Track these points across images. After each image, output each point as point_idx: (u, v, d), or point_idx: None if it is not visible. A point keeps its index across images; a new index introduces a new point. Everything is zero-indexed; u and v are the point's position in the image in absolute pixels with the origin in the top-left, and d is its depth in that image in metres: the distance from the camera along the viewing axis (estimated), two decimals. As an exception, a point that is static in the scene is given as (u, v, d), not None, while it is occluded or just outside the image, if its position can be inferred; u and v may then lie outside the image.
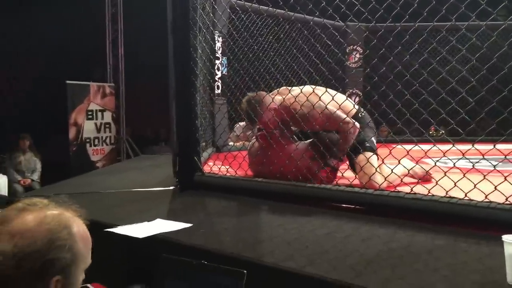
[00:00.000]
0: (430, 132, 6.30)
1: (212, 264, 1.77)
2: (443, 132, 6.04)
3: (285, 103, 3.02)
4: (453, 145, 2.21)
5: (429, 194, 2.20)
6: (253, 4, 3.60)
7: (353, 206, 2.45)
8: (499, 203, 1.96)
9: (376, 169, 2.78)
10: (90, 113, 7.93)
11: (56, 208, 1.09)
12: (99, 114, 8.09)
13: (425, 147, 2.37)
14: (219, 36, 5.15)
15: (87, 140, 7.90)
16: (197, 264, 1.81)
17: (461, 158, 2.24)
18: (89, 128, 7.91)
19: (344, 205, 2.49)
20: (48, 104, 8.48)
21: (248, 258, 1.79)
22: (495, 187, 2.04)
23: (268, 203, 2.68)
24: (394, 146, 2.59)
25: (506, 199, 1.97)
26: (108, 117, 8.24)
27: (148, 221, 2.34)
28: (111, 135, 8.30)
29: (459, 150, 2.19)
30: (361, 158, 2.90)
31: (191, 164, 3.18)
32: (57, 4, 8.72)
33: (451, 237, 1.92)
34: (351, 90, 6.66)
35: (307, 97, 2.89)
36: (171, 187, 3.27)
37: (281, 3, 2.92)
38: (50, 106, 8.46)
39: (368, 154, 2.92)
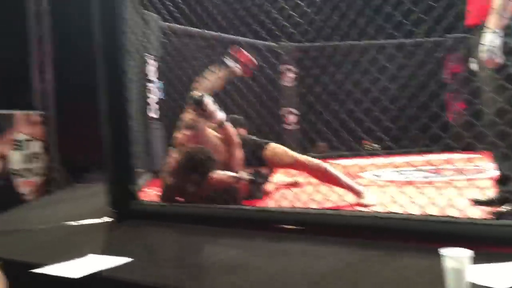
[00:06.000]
0: (365, 146, 6.46)
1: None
2: (378, 145, 6.23)
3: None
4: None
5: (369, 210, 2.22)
6: (184, 27, 3.56)
7: (294, 227, 2.43)
8: (435, 216, 2.01)
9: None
10: (17, 143, 7.50)
11: None
12: (27, 144, 7.66)
13: (360, 161, 2.41)
14: (154, 60, 5.05)
15: (15, 172, 7.44)
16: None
17: (394, 171, 2.28)
18: (16, 159, 7.47)
19: (285, 226, 2.46)
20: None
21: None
22: (431, 201, 2.09)
23: (209, 228, 2.60)
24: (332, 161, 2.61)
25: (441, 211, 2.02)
26: (37, 146, 7.83)
27: (79, 257, 2.18)
28: (41, 165, 7.88)
29: (392, 163, 2.24)
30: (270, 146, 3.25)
31: (127, 192, 3.05)
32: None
33: (393, 252, 1.93)
34: (287, 109, 6.73)
35: None
36: (107, 218, 3.11)
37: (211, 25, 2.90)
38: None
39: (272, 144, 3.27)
